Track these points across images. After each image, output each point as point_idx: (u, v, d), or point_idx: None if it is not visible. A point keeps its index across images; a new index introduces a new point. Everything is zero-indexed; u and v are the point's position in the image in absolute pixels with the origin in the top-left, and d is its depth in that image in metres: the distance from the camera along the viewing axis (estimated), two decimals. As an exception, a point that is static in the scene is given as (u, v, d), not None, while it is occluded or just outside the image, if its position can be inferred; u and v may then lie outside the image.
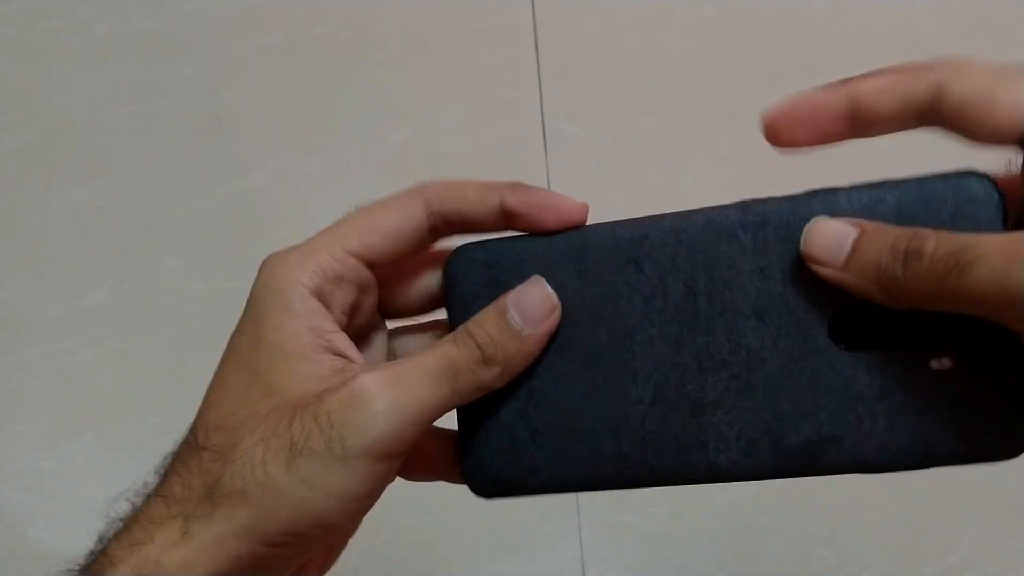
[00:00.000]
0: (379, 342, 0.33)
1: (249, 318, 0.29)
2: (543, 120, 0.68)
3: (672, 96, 0.67)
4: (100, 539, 0.28)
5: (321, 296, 0.29)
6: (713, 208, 0.28)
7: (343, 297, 0.30)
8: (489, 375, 0.28)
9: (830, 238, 0.26)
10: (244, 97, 0.69)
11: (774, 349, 0.27)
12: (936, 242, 0.24)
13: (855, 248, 0.26)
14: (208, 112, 0.69)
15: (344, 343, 0.29)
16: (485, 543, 0.65)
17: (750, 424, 0.28)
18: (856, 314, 0.27)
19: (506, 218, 0.30)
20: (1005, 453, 0.25)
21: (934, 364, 0.26)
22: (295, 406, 0.27)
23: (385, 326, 0.33)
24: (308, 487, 0.26)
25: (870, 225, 0.26)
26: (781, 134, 0.27)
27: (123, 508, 0.28)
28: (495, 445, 0.30)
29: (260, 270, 0.30)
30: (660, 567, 0.65)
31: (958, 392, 0.26)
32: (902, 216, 0.26)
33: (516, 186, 0.30)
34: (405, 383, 0.27)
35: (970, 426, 0.25)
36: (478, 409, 0.30)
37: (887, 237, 0.25)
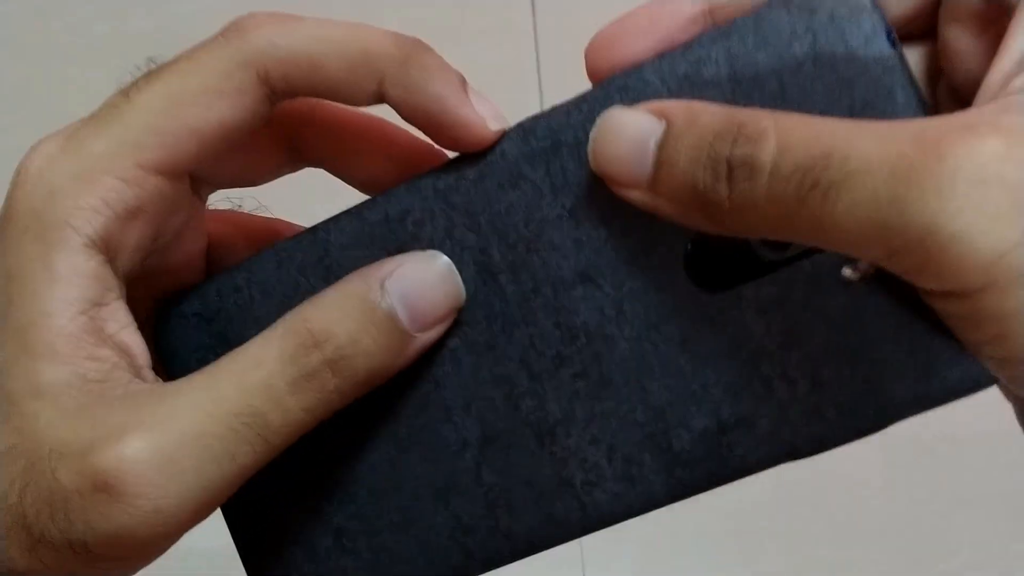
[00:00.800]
0: (196, 257, 0.23)
1: (2, 266, 0.20)
2: (543, 120, 0.67)
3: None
4: None
5: (105, 242, 0.20)
6: (484, 151, 0.21)
7: (139, 233, 0.20)
8: (334, 406, 0.19)
9: (626, 142, 0.18)
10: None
11: (621, 319, 0.19)
12: (777, 146, 0.16)
13: (661, 156, 0.18)
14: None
15: (119, 322, 0.20)
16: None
17: (620, 434, 0.20)
18: (716, 237, 0.18)
19: (379, 102, 0.21)
20: (972, 379, 0.18)
21: (847, 273, 0.18)
22: (29, 462, 0.19)
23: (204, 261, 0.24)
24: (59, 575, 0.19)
25: (679, 111, 0.18)
26: (608, 49, 0.20)
27: None
28: (291, 563, 0.21)
29: (19, 183, 0.20)
30: (660, 569, 0.64)
31: (891, 304, 0.18)
32: (738, 82, 0.19)
33: (405, 63, 0.20)
34: (183, 468, 0.18)
35: (920, 349, 0.18)
36: (251, 508, 0.21)
37: (703, 134, 0.17)
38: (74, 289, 0.19)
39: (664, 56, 0.19)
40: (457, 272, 0.20)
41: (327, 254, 0.21)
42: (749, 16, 0.19)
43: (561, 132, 0.20)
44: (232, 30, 0.21)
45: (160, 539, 0.19)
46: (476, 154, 0.21)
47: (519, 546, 0.21)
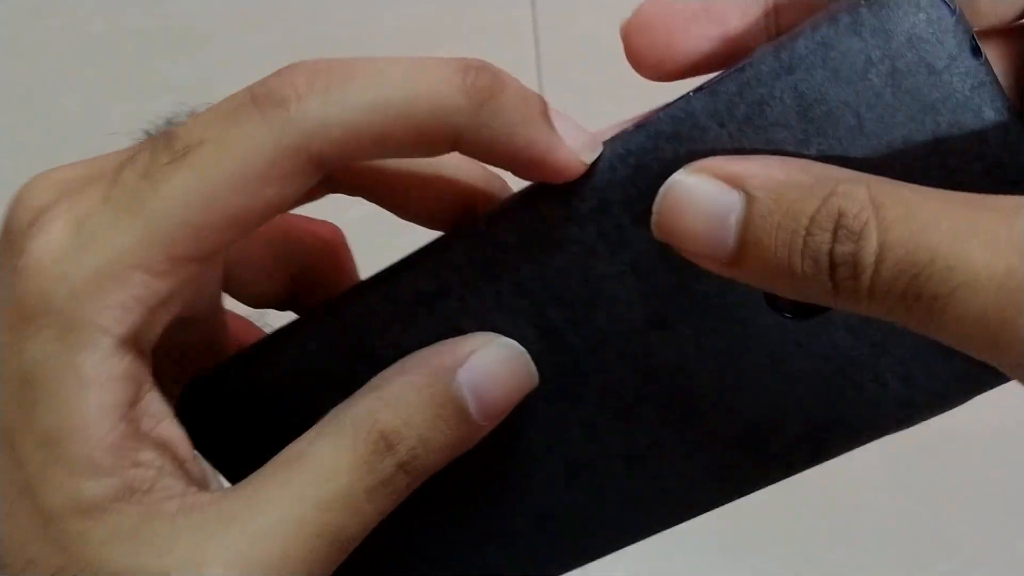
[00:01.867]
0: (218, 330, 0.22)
1: (14, 364, 0.17)
2: (543, 119, 0.67)
3: (673, 96, 0.67)
4: None
5: (136, 336, 0.18)
6: (513, 210, 0.19)
7: (171, 316, 0.19)
8: (401, 498, 0.18)
9: (701, 218, 0.16)
10: (242, 96, 0.68)
11: (701, 355, 0.19)
12: (878, 244, 0.15)
13: (747, 236, 0.16)
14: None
15: (157, 414, 0.18)
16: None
17: (712, 449, 0.20)
18: None
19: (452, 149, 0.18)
20: None
21: None
22: None
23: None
24: None
25: (760, 183, 0.16)
26: (655, 34, 0.19)
27: None
28: None
29: (21, 273, 0.17)
30: (662, 570, 0.64)
31: None
32: (810, 121, 0.17)
33: (480, 112, 0.18)
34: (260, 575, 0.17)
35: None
36: None
37: (796, 216, 0.15)
38: (109, 394, 0.17)
39: (716, 93, 0.18)
40: (529, 357, 0.19)
41: (363, 339, 0.20)
42: (812, 42, 0.17)
43: (607, 191, 0.18)
44: (270, 103, 0.17)
45: None
46: (511, 217, 0.19)
47: (615, 543, 0.21)
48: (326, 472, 0.18)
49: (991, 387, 0.19)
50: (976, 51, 0.17)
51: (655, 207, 0.17)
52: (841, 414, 0.20)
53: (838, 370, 0.19)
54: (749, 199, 0.16)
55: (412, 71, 0.17)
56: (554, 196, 0.19)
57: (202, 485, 0.19)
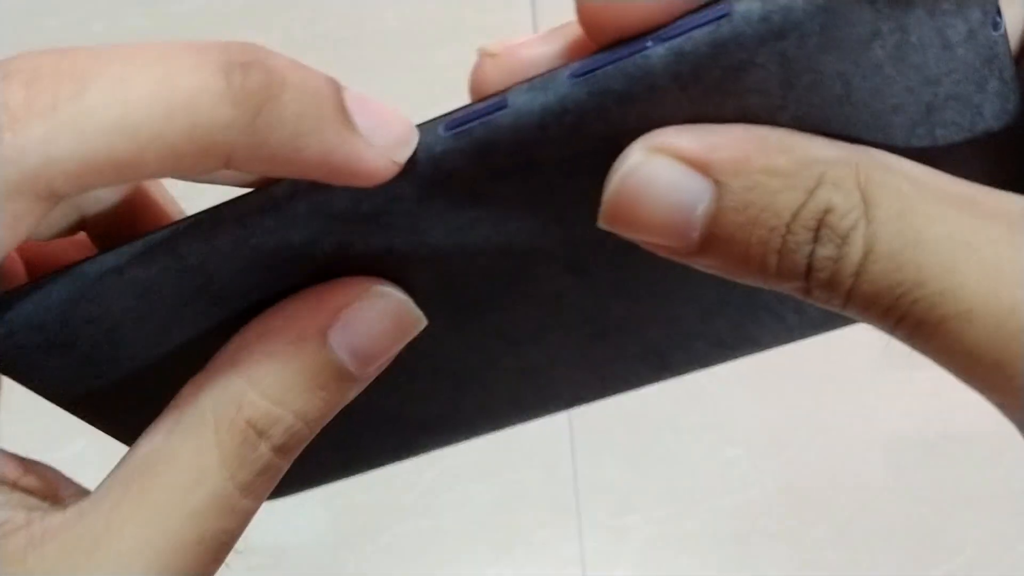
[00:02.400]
0: None
1: None
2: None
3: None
4: None
5: None
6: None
7: None
8: (284, 463, 0.16)
9: (661, 208, 0.14)
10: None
11: (615, 293, 0.18)
12: (863, 251, 0.13)
13: (714, 229, 0.14)
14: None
15: None
16: (484, 546, 0.64)
17: (612, 365, 0.20)
18: None
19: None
20: None
21: None
22: None
23: None
24: None
25: (731, 168, 0.13)
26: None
27: None
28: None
29: None
30: (661, 570, 0.64)
31: None
32: (791, 87, 0.14)
33: (254, 122, 0.14)
34: None
35: None
36: None
37: (778, 211, 0.13)
38: None
39: (683, 53, 0.14)
40: (412, 304, 0.17)
41: (210, 282, 0.16)
42: (812, 5, 0.14)
43: (536, 149, 0.15)
44: None
45: None
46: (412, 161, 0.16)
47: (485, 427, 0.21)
48: (192, 475, 0.15)
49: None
50: (997, 23, 0.14)
51: (606, 191, 0.14)
52: (752, 336, 0.20)
53: (745, 299, 0.18)
54: (719, 188, 0.14)
55: (162, 77, 0.13)
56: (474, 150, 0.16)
57: (45, 493, 0.16)
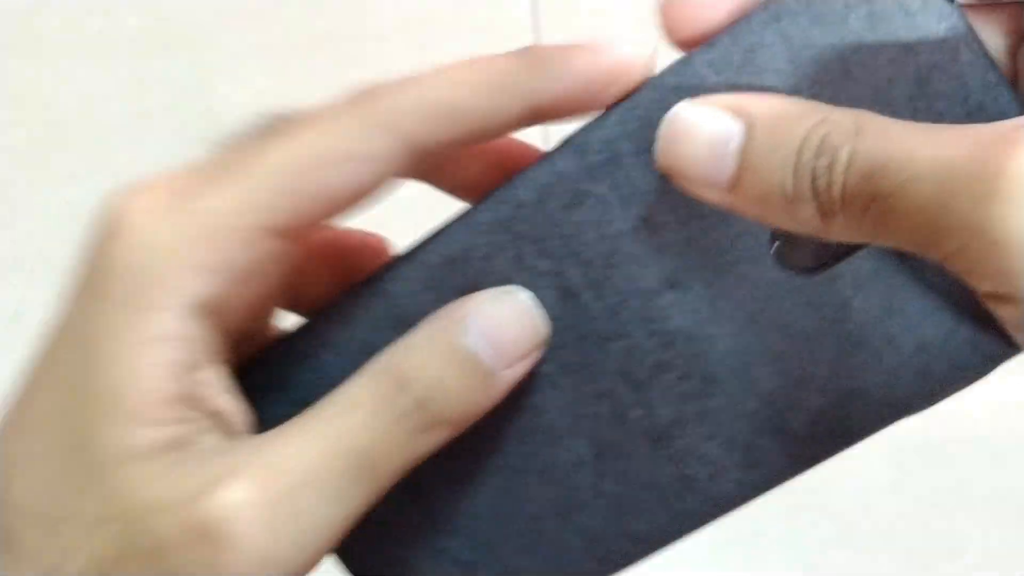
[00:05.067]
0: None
1: (80, 326, 0.18)
2: (543, 117, 0.67)
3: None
4: None
5: (216, 305, 0.18)
6: (533, 169, 0.20)
7: (254, 294, 0.19)
8: (432, 444, 0.19)
9: (702, 144, 0.17)
10: (240, 94, 0.68)
11: (716, 317, 0.19)
12: (848, 156, 0.16)
13: (745, 161, 0.17)
14: (203, 108, 0.68)
15: (217, 386, 0.19)
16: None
17: (735, 426, 0.20)
18: None
19: (536, 118, 0.19)
20: None
21: None
22: (127, 523, 0.17)
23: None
24: None
25: (761, 112, 0.17)
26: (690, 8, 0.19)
27: None
28: None
29: (113, 236, 0.18)
30: (661, 570, 0.64)
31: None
32: (798, 65, 0.18)
33: (536, 67, 0.19)
34: (291, 511, 0.17)
35: None
36: (365, 551, 0.21)
37: (792, 140, 0.17)
38: (167, 352, 0.18)
39: (712, 46, 0.19)
40: (538, 305, 0.20)
41: (396, 305, 0.20)
42: None
43: (618, 141, 0.19)
44: (362, 95, 0.19)
45: None
46: (530, 176, 0.20)
47: (651, 545, 0.21)
48: (347, 404, 0.18)
49: (1006, 357, 0.19)
50: None
51: (660, 134, 0.18)
52: (859, 384, 0.19)
53: (850, 332, 0.19)
54: (749, 126, 0.17)
55: (479, 62, 0.19)
56: (569, 151, 0.19)
57: (226, 423, 0.19)
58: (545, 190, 0.19)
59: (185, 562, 0.17)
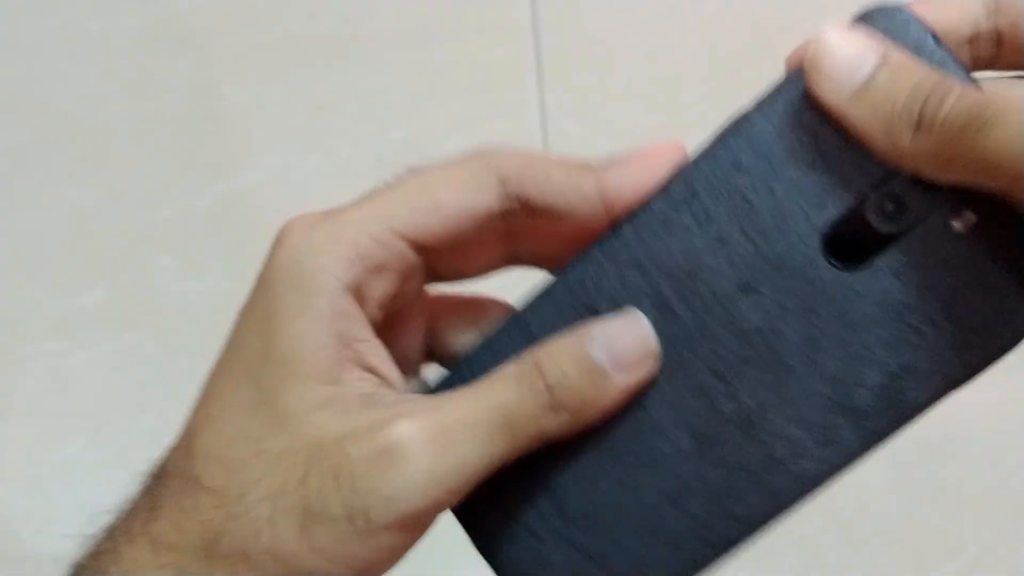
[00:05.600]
0: (418, 333, 0.28)
1: (260, 313, 0.23)
2: (543, 116, 0.67)
3: (674, 94, 0.67)
4: (76, 571, 0.24)
5: (356, 290, 0.23)
6: (629, 211, 0.25)
7: (382, 288, 0.24)
8: (556, 423, 0.23)
9: (845, 58, 0.22)
10: (240, 94, 0.68)
11: (784, 314, 0.23)
12: (958, 93, 0.20)
13: (873, 80, 0.22)
14: (203, 109, 0.68)
15: (377, 355, 0.24)
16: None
17: (810, 407, 0.23)
18: (840, 222, 0.23)
19: (605, 207, 0.24)
20: None
21: (956, 226, 0.22)
22: (312, 452, 0.22)
23: (424, 317, 0.28)
24: (323, 558, 0.22)
25: (895, 54, 0.22)
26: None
27: (100, 537, 0.24)
28: None
29: (278, 244, 0.24)
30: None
31: (999, 241, 0.22)
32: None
33: (613, 165, 0.24)
34: (450, 442, 0.22)
35: None
36: (490, 526, 0.25)
37: (912, 76, 0.21)
38: (339, 324, 0.23)
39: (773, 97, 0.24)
40: (647, 322, 0.24)
41: (532, 335, 0.25)
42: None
43: (695, 180, 0.24)
44: (477, 151, 0.25)
45: (430, 507, 0.22)
46: (630, 215, 0.24)
47: (752, 526, 0.25)
48: (500, 377, 0.24)
49: None
50: (937, 40, 0.22)
51: (813, 43, 0.22)
52: (909, 360, 0.22)
53: (895, 314, 0.22)
54: (884, 57, 0.22)
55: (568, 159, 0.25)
56: (659, 192, 0.24)
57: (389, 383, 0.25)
58: (640, 223, 0.24)
59: (367, 474, 0.22)
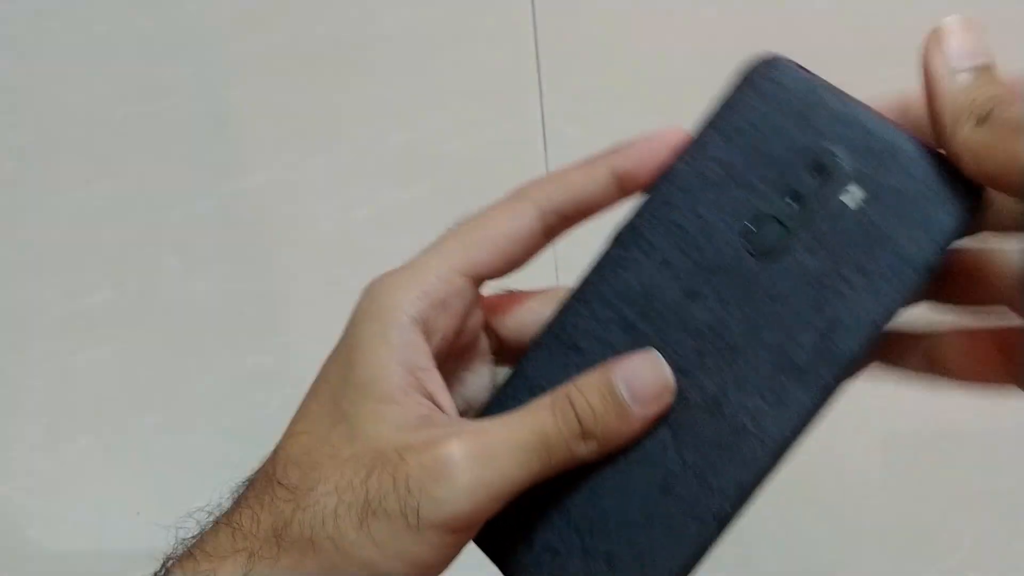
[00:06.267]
0: (481, 371, 0.32)
1: (345, 345, 0.28)
2: (543, 120, 0.68)
3: (672, 96, 0.67)
4: (165, 562, 0.27)
5: (424, 324, 0.28)
6: (590, 267, 0.29)
7: (446, 322, 0.28)
8: (585, 450, 0.27)
9: (968, 43, 0.25)
10: (244, 97, 0.69)
11: (725, 307, 0.27)
12: (1009, 109, 0.23)
13: (976, 77, 0.25)
14: (208, 112, 0.68)
15: (436, 384, 0.28)
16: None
17: (760, 377, 0.27)
18: (754, 223, 0.27)
19: (621, 187, 0.28)
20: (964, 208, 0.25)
21: (848, 202, 0.26)
22: (375, 457, 0.26)
23: (489, 352, 0.32)
24: (378, 549, 0.25)
25: (993, 65, 0.25)
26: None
27: (191, 529, 0.28)
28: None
29: (363, 293, 0.28)
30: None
31: (874, 210, 0.26)
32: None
33: (618, 150, 0.28)
34: (493, 458, 0.26)
35: (925, 207, 0.25)
36: (508, 533, 0.29)
37: (997, 86, 0.24)
38: (406, 354, 0.27)
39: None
40: (664, 362, 0.27)
41: (530, 381, 0.29)
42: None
43: (638, 224, 0.28)
44: (517, 189, 0.29)
45: (472, 512, 0.25)
46: (592, 264, 0.29)
47: (734, 497, 0.27)
48: (537, 406, 0.27)
49: (921, 274, 0.26)
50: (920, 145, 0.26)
51: (944, 26, 0.25)
52: (835, 314, 0.26)
53: (815, 281, 0.26)
54: (987, 64, 0.25)
55: (585, 167, 0.29)
56: (610, 242, 0.28)
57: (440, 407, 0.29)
58: (598, 266, 0.29)
59: (421, 479, 0.25)
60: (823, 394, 0.26)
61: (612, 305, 0.28)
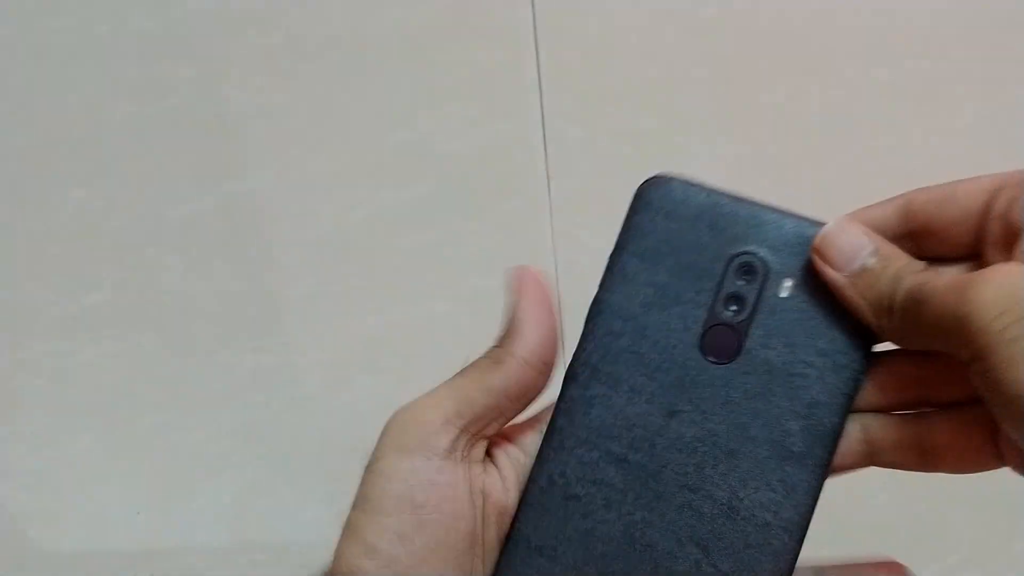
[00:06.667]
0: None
1: (367, 472, 0.29)
2: (543, 120, 0.68)
3: (672, 96, 0.67)
4: None
5: (454, 445, 0.29)
6: (555, 413, 0.29)
7: (467, 431, 0.30)
8: None
9: (848, 244, 0.27)
10: (244, 97, 0.69)
11: (707, 417, 0.28)
12: (908, 281, 0.25)
13: (868, 267, 0.26)
14: (209, 112, 0.69)
15: (486, 479, 0.29)
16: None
17: (764, 472, 0.28)
18: (706, 332, 0.28)
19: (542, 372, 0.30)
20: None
21: (783, 294, 0.28)
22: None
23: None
24: None
25: (886, 246, 0.27)
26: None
27: None
28: None
29: (395, 413, 0.30)
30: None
31: (818, 299, 0.28)
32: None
33: (513, 334, 0.29)
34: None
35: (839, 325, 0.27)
36: None
37: (896, 264, 0.26)
38: (398, 486, 0.28)
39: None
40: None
41: (530, 542, 0.29)
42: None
43: (590, 359, 0.29)
44: (494, 349, 0.29)
45: None
46: (555, 409, 0.29)
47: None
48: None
49: (868, 345, 0.28)
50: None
51: (823, 230, 0.27)
52: (810, 397, 0.28)
53: (781, 372, 0.28)
54: (878, 249, 0.27)
55: None
56: (564, 382, 0.29)
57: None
58: (563, 409, 0.29)
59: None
60: (824, 470, 0.28)
61: (595, 445, 0.29)
